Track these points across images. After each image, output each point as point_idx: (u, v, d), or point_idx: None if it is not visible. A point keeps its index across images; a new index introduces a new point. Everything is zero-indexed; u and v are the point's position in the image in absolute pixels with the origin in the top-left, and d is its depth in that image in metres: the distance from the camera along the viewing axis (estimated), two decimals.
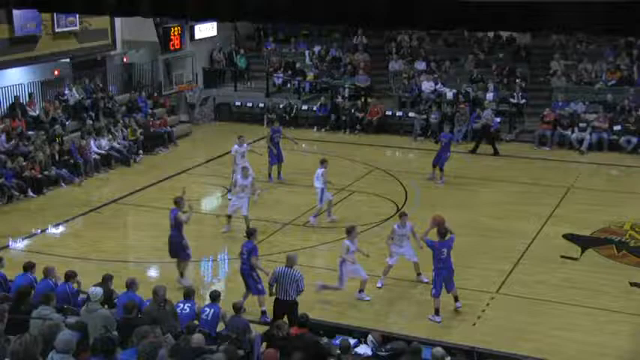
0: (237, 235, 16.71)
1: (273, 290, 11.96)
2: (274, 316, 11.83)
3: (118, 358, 8.04)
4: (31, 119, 21.77)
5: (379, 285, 14.15)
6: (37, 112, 22.26)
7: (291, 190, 20.02)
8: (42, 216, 18.00)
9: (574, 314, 13.23)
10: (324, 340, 10.36)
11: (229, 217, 16.95)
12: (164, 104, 26.71)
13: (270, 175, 20.57)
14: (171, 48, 27.13)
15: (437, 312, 12.87)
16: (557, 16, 7.24)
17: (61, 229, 17.45)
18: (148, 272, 15.23)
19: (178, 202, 14.33)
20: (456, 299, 13.22)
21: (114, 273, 12.11)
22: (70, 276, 11.63)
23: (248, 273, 12.86)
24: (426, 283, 13.92)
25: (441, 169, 20.51)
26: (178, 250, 14.25)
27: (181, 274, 14.28)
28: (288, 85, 28.93)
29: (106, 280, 11.51)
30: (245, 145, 19.20)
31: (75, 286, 11.63)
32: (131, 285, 11.28)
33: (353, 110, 26.74)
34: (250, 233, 13.25)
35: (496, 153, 23.48)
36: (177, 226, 14.15)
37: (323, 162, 17.46)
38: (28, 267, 12.02)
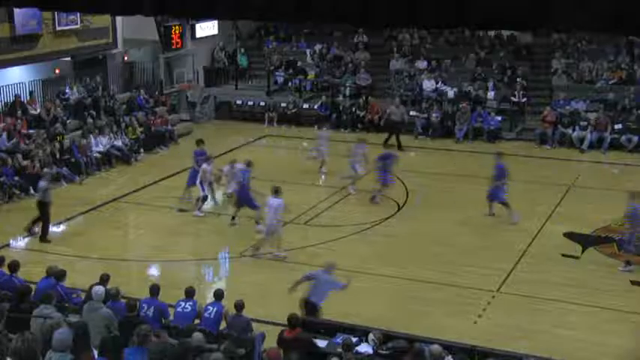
0: (238, 234, 16.73)
1: (298, 287, 11.72)
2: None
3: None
4: (32, 118, 21.77)
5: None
6: (38, 110, 22.25)
7: (291, 189, 19.97)
8: None
9: (575, 312, 13.24)
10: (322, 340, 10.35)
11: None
12: (165, 103, 26.71)
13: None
14: (173, 46, 27.13)
15: None
16: (558, 14, 7.23)
17: (61, 227, 17.45)
18: (149, 271, 15.24)
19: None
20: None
21: (114, 272, 12.08)
22: (61, 275, 11.58)
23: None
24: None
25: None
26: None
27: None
28: (289, 84, 28.94)
29: (104, 281, 11.45)
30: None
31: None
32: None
33: (354, 109, 26.75)
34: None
35: (389, 145, 23.38)
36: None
37: None
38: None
